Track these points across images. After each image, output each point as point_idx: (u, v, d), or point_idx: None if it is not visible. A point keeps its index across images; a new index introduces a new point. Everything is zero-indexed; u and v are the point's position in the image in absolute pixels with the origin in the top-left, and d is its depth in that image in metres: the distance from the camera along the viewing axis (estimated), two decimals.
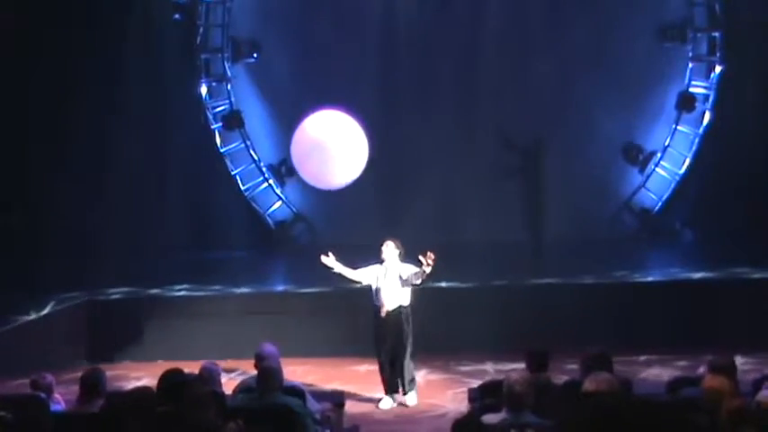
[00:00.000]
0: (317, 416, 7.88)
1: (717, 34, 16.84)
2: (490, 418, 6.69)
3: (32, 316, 12.46)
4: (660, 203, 17.22)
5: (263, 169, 17.44)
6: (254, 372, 8.08)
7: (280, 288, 14.41)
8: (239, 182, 17.41)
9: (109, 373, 8.30)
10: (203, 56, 17.27)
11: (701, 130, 16.97)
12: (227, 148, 17.39)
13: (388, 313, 10.46)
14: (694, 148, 17.01)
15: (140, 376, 11.40)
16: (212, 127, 17.31)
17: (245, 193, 17.43)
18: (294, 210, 17.46)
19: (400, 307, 10.47)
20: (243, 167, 17.44)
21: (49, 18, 14.15)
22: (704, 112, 16.95)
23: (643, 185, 17.27)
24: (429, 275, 10.34)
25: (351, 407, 9.92)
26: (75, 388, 7.61)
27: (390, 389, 10.62)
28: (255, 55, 17.28)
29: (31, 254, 13.71)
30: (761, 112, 16.05)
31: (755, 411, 6.03)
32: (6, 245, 13.64)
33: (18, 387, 9.96)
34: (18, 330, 12.10)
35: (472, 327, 12.07)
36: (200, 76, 17.24)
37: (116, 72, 15.04)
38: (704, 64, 17.04)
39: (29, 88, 14.03)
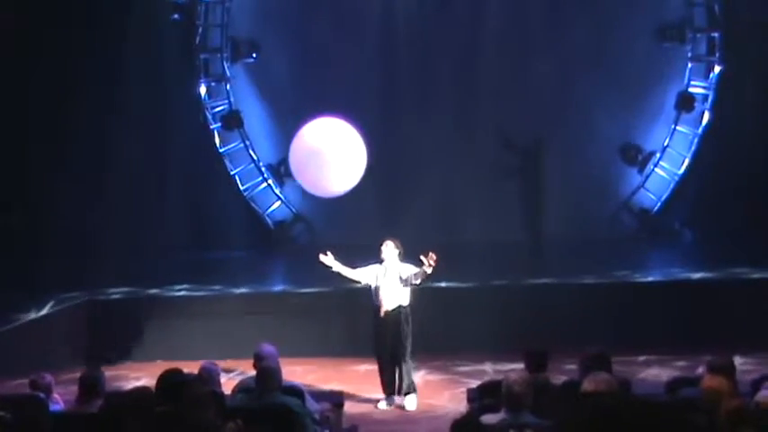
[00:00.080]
0: (316, 416, 7.88)
1: (716, 34, 16.84)
2: (489, 419, 6.69)
3: (32, 316, 12.45)
4: (659, 203, 17.22)
5: (263, 169, 17.44)
6: (254, 372, 8.08)
7: (279, 288, 14.41)
8: (238, 182, 17.41)
9: (108, 374, 8.31)
10: (202, 56, 17.27)
11: (701, 130, 16.98)
12: (227, 148, 17.39)
13: (388, 313, 10.45)
14: (693, 148, 17.02)
15: (139, 376, 11.39)
16: (211, 127, 17.31)
17: (245, 193, 17.43)
18: (293, 210, 17.46)
19: (400, 307, 10.47)
20: (242, 167, 17.44)
21: (49, 18, 14.15)
22: (703, 113, 16.96)
23: (642, 186, 17.27)
24: (429, 276, 10.35)
25: (350, 407, 9.91)
26: (75, 388, 7.61)
27: (389, 390, 10.60)
28: (254, 55, 17.28)
29: (31, 254, 13.71)
30: (760, 112, 16.06)
31: (754, 411, 6.03)
32: (6, 245, 13.64)
33: (17, 387, 9.96)
34: (17, 330, 12.09)
35: (471, 327, 12.06)
36: (200, 76, 17.23)
37: (116, 72, 15.03)
38: (703, 64, 17.05)
39: (29, 88, 14.04)
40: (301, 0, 17.25)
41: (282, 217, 17.58)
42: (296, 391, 7.84)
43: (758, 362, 10.88)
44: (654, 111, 17.10)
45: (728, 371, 6.94)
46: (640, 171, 17.22)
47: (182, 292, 13.55)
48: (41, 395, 7.60)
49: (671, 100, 17.00)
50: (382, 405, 10.60)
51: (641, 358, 11.86)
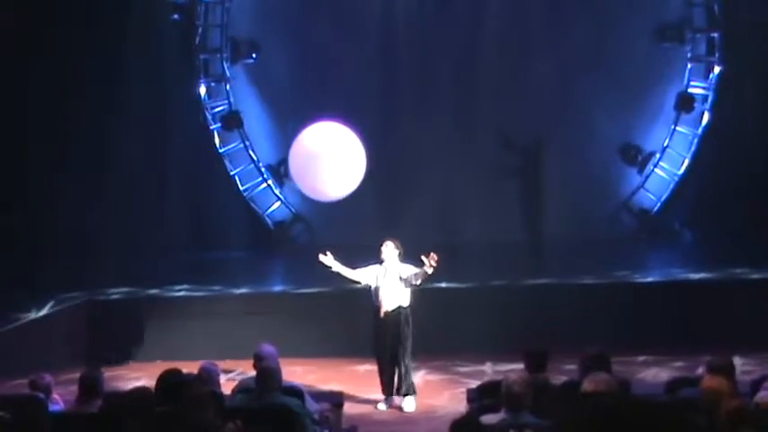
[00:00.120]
0: (316, 416, 7.89)
1: (716, 35, 16.84)
2: (489, 419, 6.69)
3: (32, 316, 12.45)
4: (659, 204, 17.22)
5: (262, 170, 17.44)
6: (253, 372, 8.08)
7: (278, 288, 14.41)
8: (238, 182, 17.40)
9: (107, 374, 8.31)
10: (202, 56, 17.26)
11: (700, 130, 16.97)
12: (226, 148, 17.39)
13: (387, 314, 10.45)
14: (693, 148, 17.01)
15: (139, 376, 11.39)
16: (211, 127, 17.30)
17: (244, 194, 17.43)
18: (293, 210, 17.46)
19: (399, 307, 10.46)
20: (242, 168, 17.44)
21: (49, 18, 14.16)
22: (703, 113, 16.96)
23: (642, 186, 17.27)
24: (430, 276, 10.34)
25: (349, 407, 9.91)
26: (74, 388, 7.61)
27: (389, 391, 10.59)
28: (254, 55, 17.27)
29: (31, 254, 13.71)
30: (760, 112, 16.05)
31: (754, 412, 6.04)
32: (6, 245, 13.64)
33: (17, 387, 9.96)
34: (17, 330, 12.09)
35: (471, 327, 12.05)
36: (199, 77, 17.22)
37: (116, 72, 15.03)
38: (703, 64, 17.04)
39: (29, 88, 14.04)
40: (301, 0, 17.24)
41: (282, 217, 17.57)
42: (296, 392, 7.84)
43: (758, 362, 10.88)
44: (654, 111, 17.10)
45: (728, 371, 6.94)
46: (640, 171, 17.22)
47: (181, 293, 13.55)
48: (41, 395, 7.60)
49: (670, 100, 17.00)
50: (381, 406, 10.60)
51: (641, 358, 11.86)
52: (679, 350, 11.84)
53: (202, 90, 17.25)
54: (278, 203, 17.52)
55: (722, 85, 16.78)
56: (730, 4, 16.67)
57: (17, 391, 9.42)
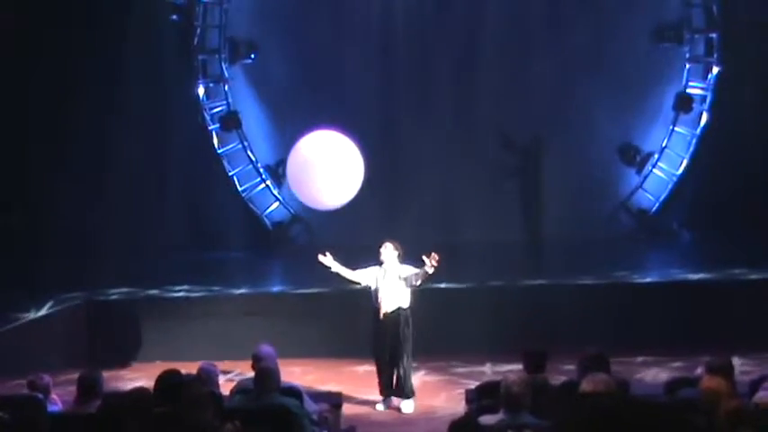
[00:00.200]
0: (315, 417, 7.89)
1: (714, 35, 16.84)
2: (487, 419, 6.70)
3: (32, 316, 12.45)
4: (657, 204, 17.22)
5: (261, 170, 17.43)
6: (252, 373, 8.08)
7: (277, 289, 14.40)
8: (237, 183, 17.39)
9: (106, 374, 8.30)
10: (200, 57, 17.25)
11: (699, 131, 16.97)
12: (225, 149, 17.38)
13: (387, 315, 10.43)
14: (692, 149, 17.01)
15: (138, 377, 11.39)
16: (209, 128, 17.30)
17: (243, 194, 17.41)
18: (291, 210, 17.44)
19: (399, 309, 10.44)
20: (240, 168, 17.43)
21: (49, 18, 14.17)
22: (701, 114, 16.95)
23: (640, 186, 17.27)
24: (430, 276, 10.34)
25: (348, 408, 9.91)
26: (73, 389, 7.61)
27: (387, 392, 10.59)
28: (253, 56, 17.26)
29: (30, 254, 13.72)
30: (758, 112, 16.05)
31: (753, 412, 6.04)
32: (6, 245, 13.65)
33: (15, 387, 9.96)
34: (16, 330, 12.09)
35: (469, 328, 12.05)
36: (198, 77, 17.22)
37: (116, 72, 15.04)
38: (701, 65, 17.04)
39: (29, 88, 14.05)
40: (300, 1, 17.24)
41: (281, 218, 17.56)
42: (294, 392, 7.84)
43: (757, 362, 10.89)
44: (652, 111, 17.10)
45: (727, 371, 6.95)
46: (639, 172, 17.22)
47: (180, 293, 13.54)
48: (40, 396, 7.60)
49: (669, 101, 16.99)
50: (380, 407, 10.59)
51: (640, 359, 11.86)
52: (678, 350, 11.84)
53: (201, 91, 17.24)
54: (276, 204, 17.52)
55: (721, 85, 16.78)
56: (729, 4, 16.67)
57: (16, 391, 9.41)
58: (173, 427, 6.20)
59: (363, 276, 10.57)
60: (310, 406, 7.96)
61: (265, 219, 17.51)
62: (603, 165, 17.07)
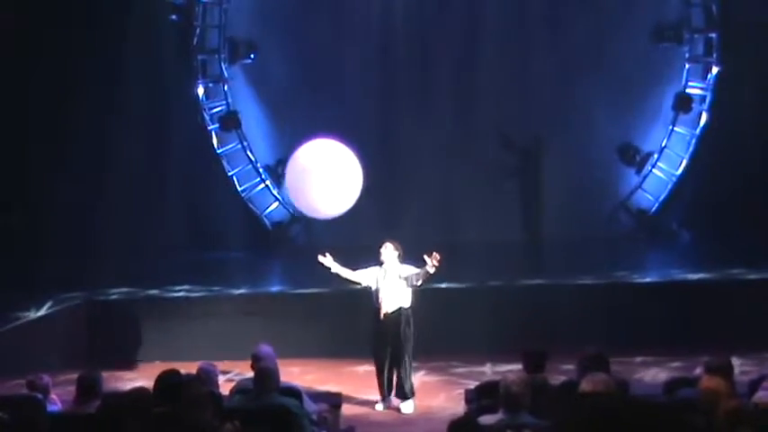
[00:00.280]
0: (314, 417, 7.89)
1: (713, 35, 16.84)
2: (487, 419, 6.70)
3: (31, 316, 12.45)
4: (657, 204, 17.22)
5: (260, 170, 17.43)
6: (251, 373, 8.09)
7: (277, 289, 14.41)
8: (236, 183, 17.39)
9: (106, 374, 8.30)
10: (200, 57, 17.25)
11: (698, 131, 16.97)
12: (224, 149, 17.37)
13: (387, 315, 10.43)
14: (691, 149, 17.01)
15: (138, 377, 11.39)
16: (209, 128, 17.30)
17: (242, 194, 17.41)
18: (291, 211, 17.42)
19: (400, 309, 10.43)
20: (240, 168, 17.42)
21: (49, 18, 14.18)
22: (701, 113, 16.95)
23: (640, 186, 17.28)
24: (431, 276, 10.33)
25: (347, 408, 9.92)
26: (72, 389, 7.61)
27: (386, 392, 10.59)
28: (252, 56, 17.25)
29: (31, 254, 13.72)
30: (757, 112, 16.06)
31: (752, 412, 6.05)
32: (6, 245, 13.65)
33: (15, 387, 9.95)
34: (16, 330, 12.09)
35: (469, 327, 12.07)
36: (197, 77, 17.21)
37: (116, 72, 15.05)
38: (701, 65, 17.04)
39: (29, 88, 14.06)
40: (300, 1, 17.24)
41: (280, 218, 17.56)
42: (293, 392, 7.85)
43: (756, 362, 10.90)
44: (652, 111, 17.10)
45: (726, 371, 6.96)
46: (638, 172, 17.22)
47: (180, 293, 13.54)
48: (39, 396, 7.61)
49: (668, 101, 16.99)
50: (379, 407, 10.59)
51: (639, 359, 11.86)
52: (677, 350, 11.84)
53: (200, 90, 17.24)
54: (276, 204, 17.51)
55: (720, 85, 16.78)
56: (728, 4, 16.67)
57: (15, 391, 9.40)
58: (172, 426, 6.21)
59: (364, 277, 10.56)
60: (310, 406, 7.96)
61: (265, 219, 17.51)
62: (603, 165, 17.07)
